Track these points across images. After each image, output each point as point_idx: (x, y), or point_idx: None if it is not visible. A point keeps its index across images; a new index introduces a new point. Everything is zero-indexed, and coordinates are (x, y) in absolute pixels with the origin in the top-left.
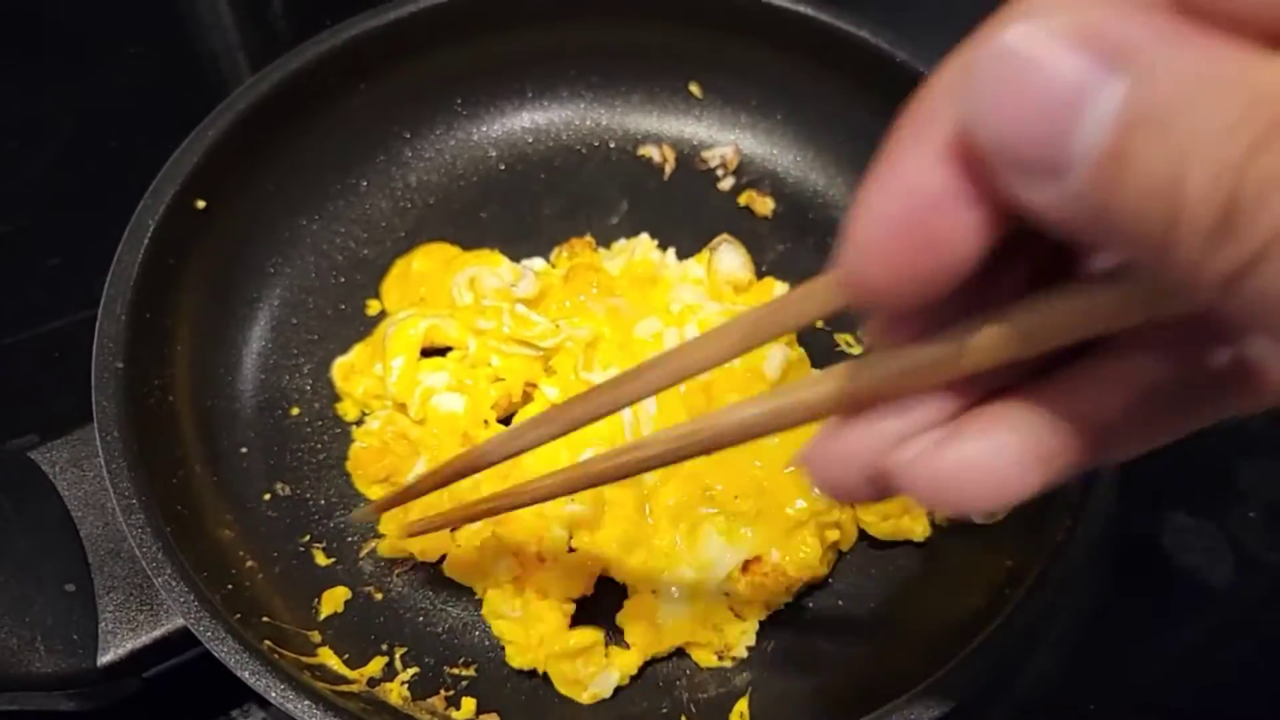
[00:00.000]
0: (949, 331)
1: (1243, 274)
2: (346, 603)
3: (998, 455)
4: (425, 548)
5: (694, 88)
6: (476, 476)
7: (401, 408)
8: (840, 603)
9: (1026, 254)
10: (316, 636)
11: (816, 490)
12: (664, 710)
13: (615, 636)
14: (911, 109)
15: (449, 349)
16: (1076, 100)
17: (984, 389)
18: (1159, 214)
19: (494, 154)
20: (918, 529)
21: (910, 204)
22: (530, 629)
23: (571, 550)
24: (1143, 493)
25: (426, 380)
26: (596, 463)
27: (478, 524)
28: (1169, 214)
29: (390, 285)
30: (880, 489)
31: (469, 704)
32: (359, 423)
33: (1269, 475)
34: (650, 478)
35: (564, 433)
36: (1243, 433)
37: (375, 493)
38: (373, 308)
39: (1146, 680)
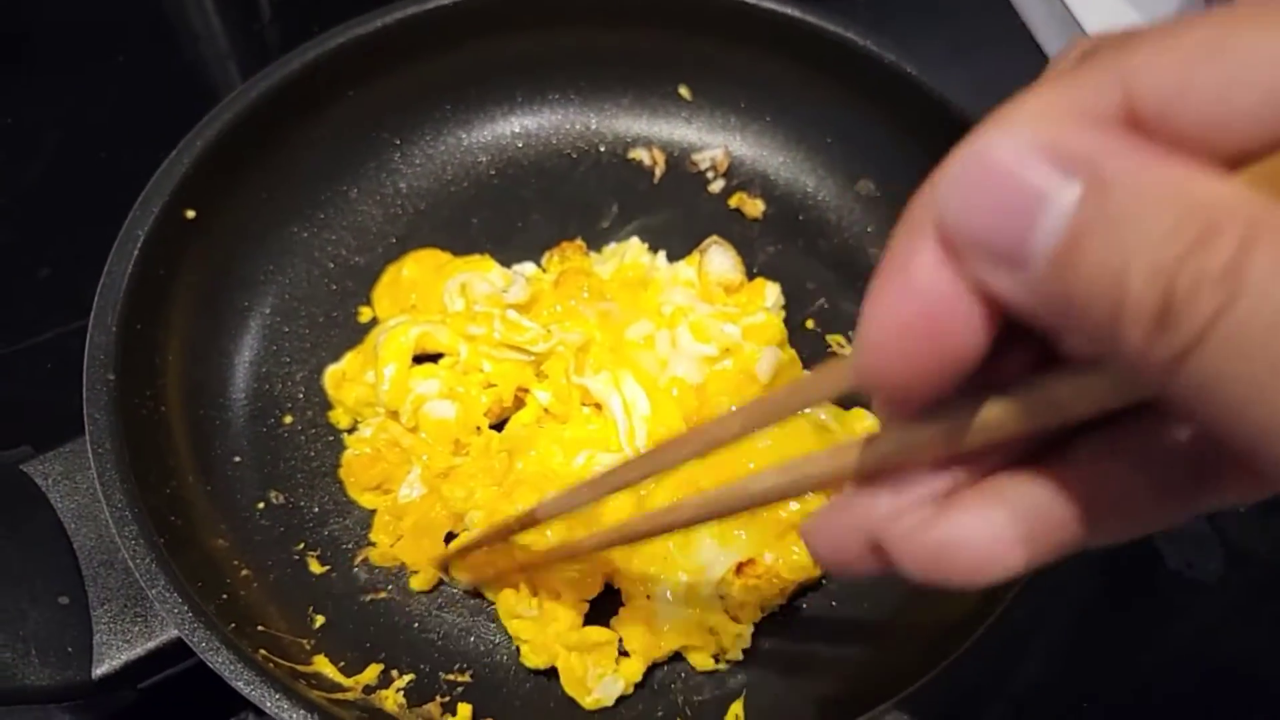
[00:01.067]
0: (952, 409)
1: (1179, 361)
2: (341, 611)
3: (985, 533)
4: (416, 557)
5: (683, 91)
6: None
7: (394, 415)
8: (834, 604)
9: (1028, 339)
10: (311, 644)
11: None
12: (660, 714)
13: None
14: (909, 209)
15: (440, 355)
16: (1037, 202)
17: (986, 465)
18: (1106, 304)
19: (484, 159)
20: None
21: (918, 303)
22: (546, 627)
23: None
24: None
25: (418, 388)
26: (633, 524)
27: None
28: (1115, 305)
29: (381, 292)
30: (881, 561)
31: (465, 710)
32: (351, 430)
33: None
34: (646, 481)
35: (609, 494)
36: None
37: (368, 500)
38: (364, 315)
39: (1140, 675)
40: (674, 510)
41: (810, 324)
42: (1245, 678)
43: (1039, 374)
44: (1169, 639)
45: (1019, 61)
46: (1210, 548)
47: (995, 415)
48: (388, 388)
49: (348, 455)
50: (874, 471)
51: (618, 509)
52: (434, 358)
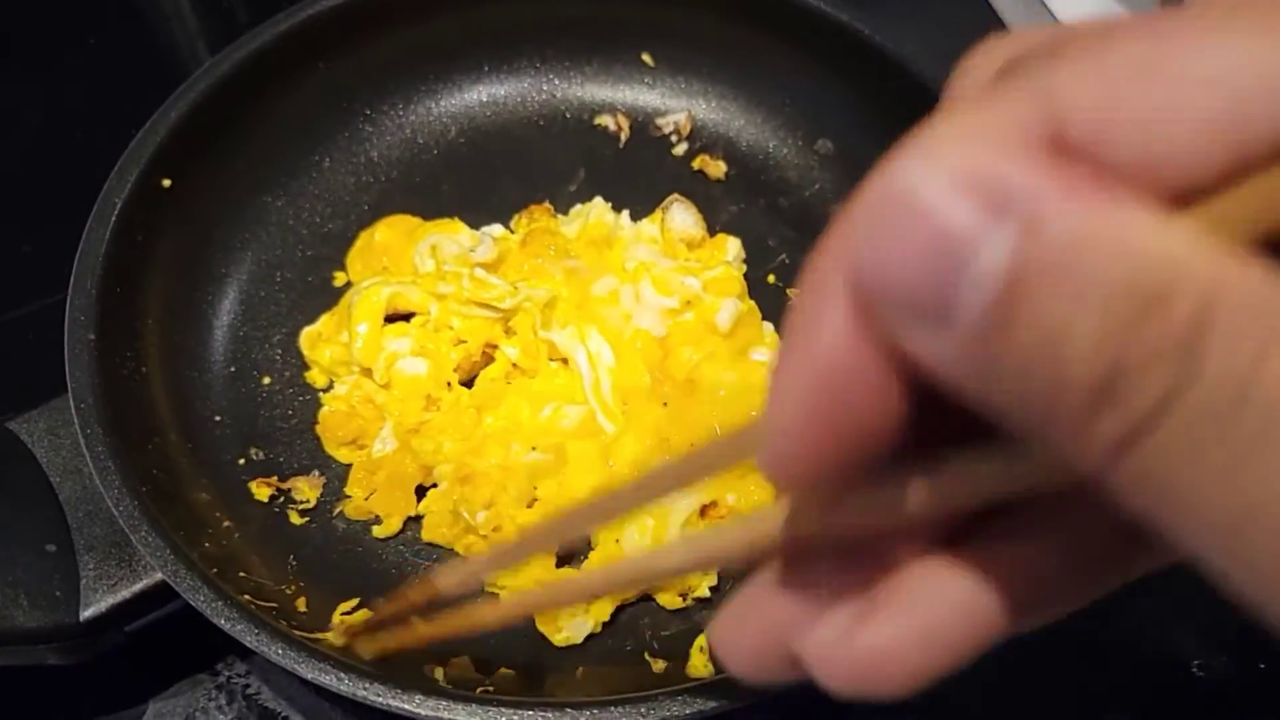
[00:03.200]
0: (869, 488)
1: (1122, 449)
2: (321, 559)
3: (907, 644)
4: (389, 509)
5: (646, 57)
6: None
7: (367, 373)
8: None
9: (953, 409)
10: (292, 590)
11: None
12: (629, 647)
13: None
14: (816, 260)
15: (412, 315)
16: (964, 248)
17: (902, 550)
18: (1043, 375)
19: (453, 128)
20: None
21: (823, 377)
22: (520, 572)
23: (535, 500)
24: None
25: (390, 345)
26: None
27: (444, 487)
28: (1053, 372)
29: (354, 256)
30: (799, 673)
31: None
32: (327, 389)
33: None
34: (610, 428)
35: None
36: None
37: (343, 455)
38: (339, 279)
39: (1115, 652)
40: (579, 581)
41: (772, 279)
42: (1220, 643)
43: (962, 450)
44: (1141, 612)
45: (974, 22)
46: None
47: (920, 494)
48: (361, 345)
49: (324, 412)
50: (785, 549)
51: (585, 457)
52: (406, 318)
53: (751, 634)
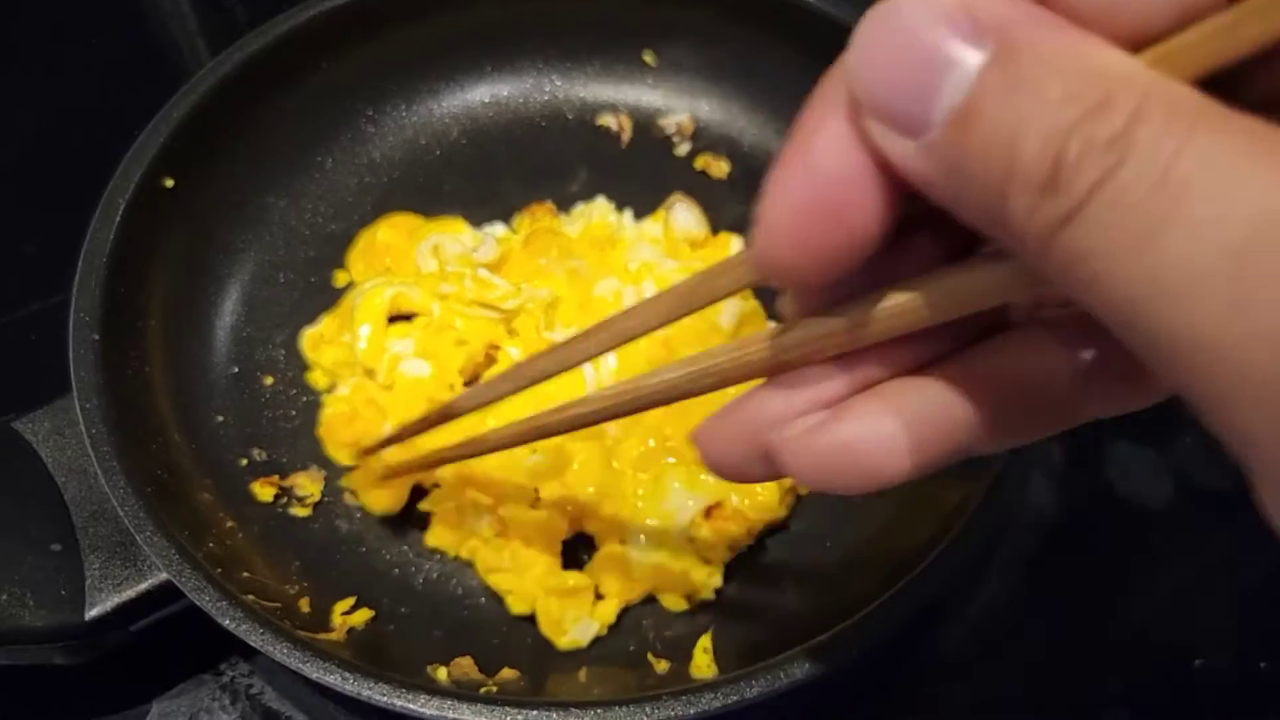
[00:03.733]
0: (855, 301)
1: (1059, 227)
2: (325, 559)
3: (874, 438)
4: (391, 504)
5: (648, 57)
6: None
7: (370, 374)
8: (797, 544)
9: (934, 230)
10: (296, 590)
11: (708, 467)
12: (631, 648)
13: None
14: (820, 85)
15: (415, 315)
16: (944, 65)
17: (881, 371)
18: (998, 169)
19: (455, 127)
20: None
21: (815, 183)
22: (524, 575)
23: (538, 500)
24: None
25: (393, 347)
26: (543, 416)
27: (445, 488)
28: (1005, 170)
29: (356, 256)
30: (769, 468)
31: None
32: (329, 391)
33: None
34: (612, 430)
35: (525, 387)
36: None
37: (344, 457)
38: (340, 279)
39: (1091, 602)
40: (582, 404)
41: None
42: (1193, 606)
43: (943, 267)
44: (1119, 567)
45: None
46: (1161, 480)
47: (898, 304)
48: (365, 346)
49: (326, 414)
50: (776, 366)
51: (587, 458)
52: (409, 318)
53: (733, 429)
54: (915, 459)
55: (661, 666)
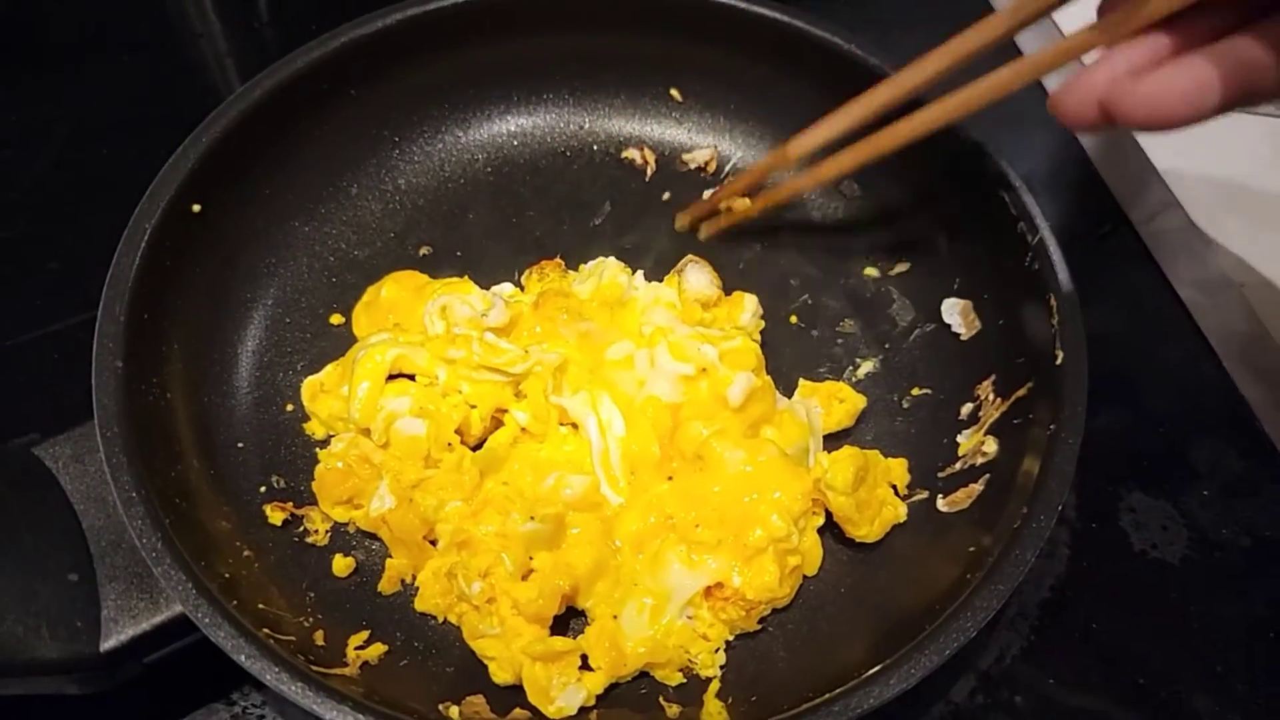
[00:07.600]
0: None
1: None
2: (340, 592)
3: (1190, 77)
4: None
5: (674, 92)
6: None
7: (365, 432)
8: (799, 620)
9: None
10: (310, 623)
11: (1061, 121)
12: (642, 691)
13: (582, 661)
14: None
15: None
16: None
17: (1187, 38)
18: None
19: (481, 157)
20: (875, 530)
21: None
22: (511, 643)
23: (531, 571)
24: (1099, 475)
25: (389, 405)
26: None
27: (441, 547)
28: None
29: (360, 312)
30: (1105, 117)
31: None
32: (325, 443)
33: (1221, 454)
34: (615, 500)
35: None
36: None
37: (339, 514)
38: (335, 320)
39: (1104, 654)
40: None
41: (793, 319)
42: (1209, 656)
43: None
44: (1134, 619)
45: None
46: (1175, 531)
47: None
48: (359, 406)
49: (320, 469)
50: (1100, 43)
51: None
52: (410, 375)
53: (1081, 87)
54: (1223, 93)
55: (673, 711)
